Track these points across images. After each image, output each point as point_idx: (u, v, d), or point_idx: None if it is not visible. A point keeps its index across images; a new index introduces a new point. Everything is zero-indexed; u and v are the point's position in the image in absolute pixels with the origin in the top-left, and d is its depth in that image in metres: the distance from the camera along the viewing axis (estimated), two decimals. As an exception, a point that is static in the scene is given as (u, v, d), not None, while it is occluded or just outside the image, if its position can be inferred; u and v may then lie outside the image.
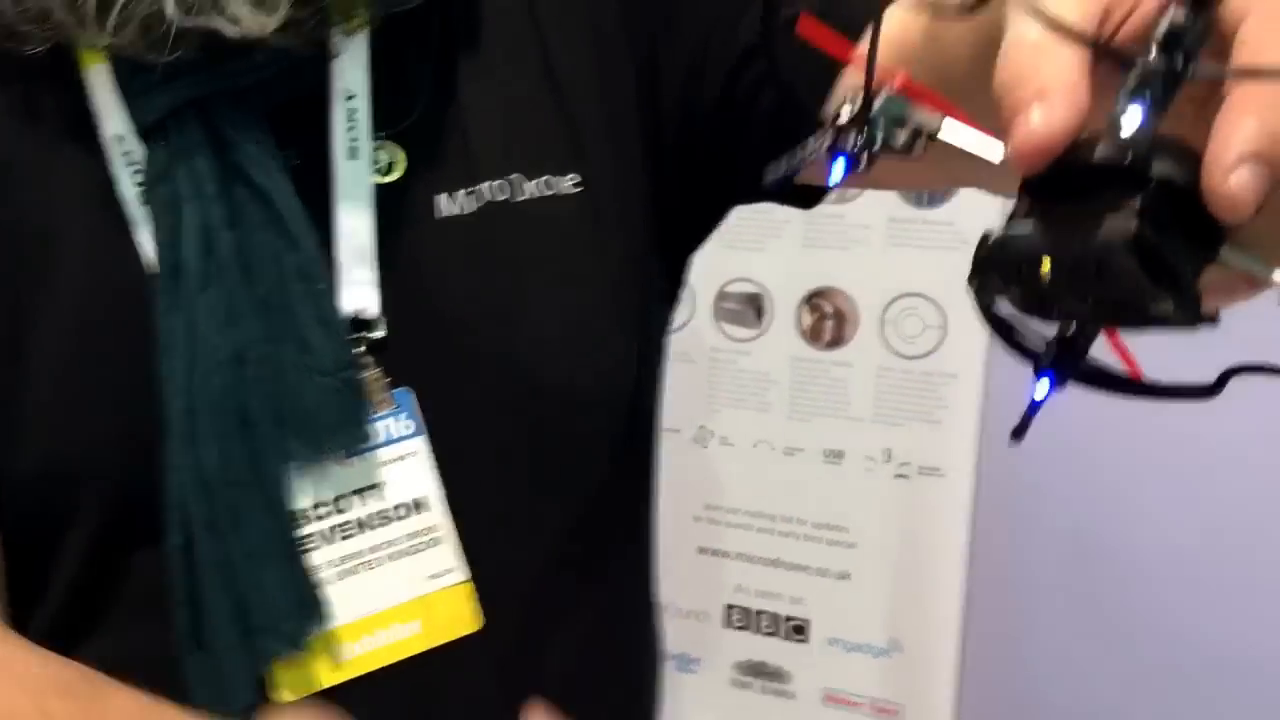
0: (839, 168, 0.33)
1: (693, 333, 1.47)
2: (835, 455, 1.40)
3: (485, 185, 0.57)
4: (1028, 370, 0.33)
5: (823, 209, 1.36)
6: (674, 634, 1.52)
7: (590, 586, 0.63)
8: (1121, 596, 1.29)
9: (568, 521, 0.61)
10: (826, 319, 1.41)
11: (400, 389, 0.56)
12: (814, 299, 1.41)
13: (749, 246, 1.43)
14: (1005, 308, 0.31)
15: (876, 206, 1.35)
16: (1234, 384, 0.34)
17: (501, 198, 0.57)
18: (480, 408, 0.57)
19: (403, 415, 0.56)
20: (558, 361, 0.57)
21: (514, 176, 0.57)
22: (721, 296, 1.45)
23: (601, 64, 0.60)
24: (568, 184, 0.58)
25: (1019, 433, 0.34)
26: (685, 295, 1.43)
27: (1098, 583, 1.30)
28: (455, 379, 0.57)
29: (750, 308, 1.44)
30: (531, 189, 0.57)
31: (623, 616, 0.69)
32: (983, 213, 1.27)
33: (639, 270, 0.61)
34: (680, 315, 1.51)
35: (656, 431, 0.70)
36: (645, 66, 0.61)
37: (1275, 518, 1.19)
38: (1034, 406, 0.33)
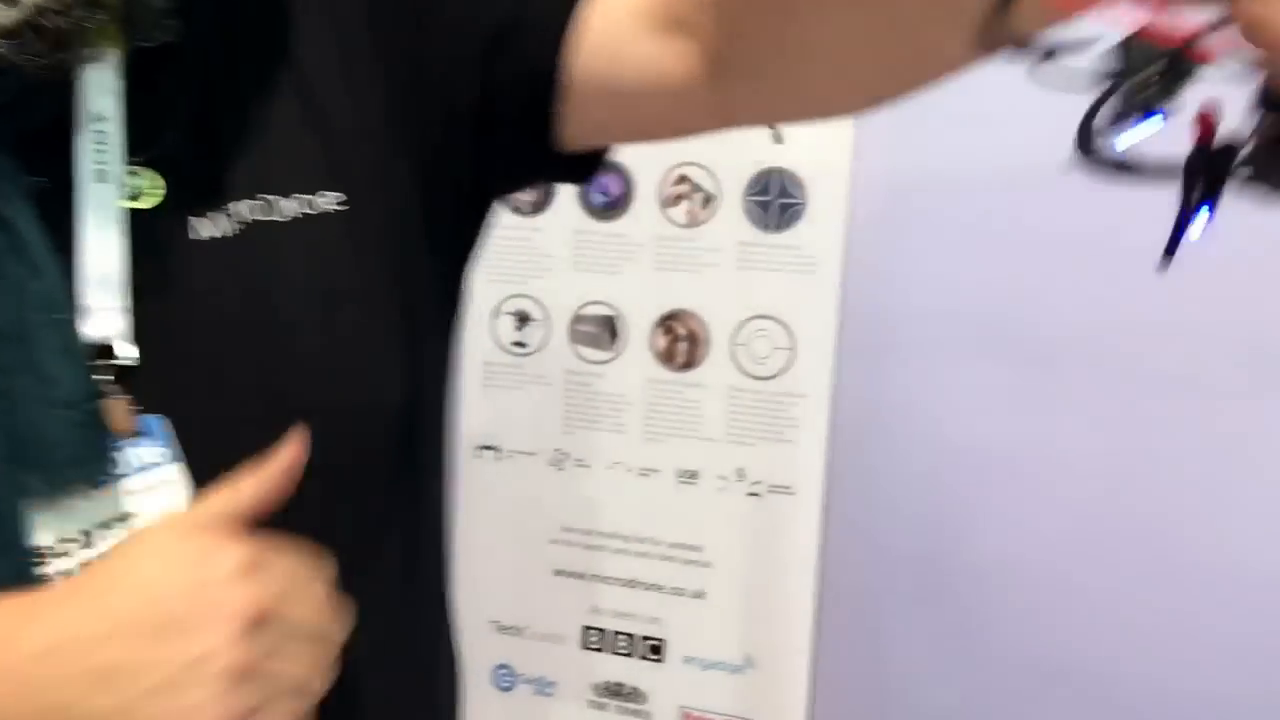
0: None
1: (548, 355, 1.47)
2: (689, 475, 1.42)
3: (244, 205, 0.56)
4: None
5: (675, 233, 1.39)
6: (531, 657, 1.52)
7: (371, 607, 0.61)
8: (972, 609, 1.33)
9: (341, 541, 0.59)
10: (680, 341, 1.42)
11: (152, 416, 0.54)
12: (667, 321, 1.43)
13: (603, 270, 1.44)
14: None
15: (726, 230, 1.38)
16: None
17: (261, 218, 0.56)
18: (239, 431, 0.56)
19: (154, 443, 0.55)
20: (321, 380, 0.56)
21: (273, 197, 0.57)
22: (576, 319, 1.46)
23: (355, 81, 0.60)
24: (330, 202, 0.58)
25: (1171, 251, 0.39)
26: (541, 318, 1.44)
27: (948, 596, 1.34)
28: (212, 403, 0.56)
29: (605, 330, 1.45)
30: (292, 208, 0.57)
31: (412, 635, 0.68)
32: (828, 237, 1.31)
33: (410, 285, 0.61)
34: (536, 338, 1.52)
35: (447, 442, 0.69)
36: (403, 78, 0.61)
37: (1118, 530, 1.25)
38: (1180, 236, 0.39)
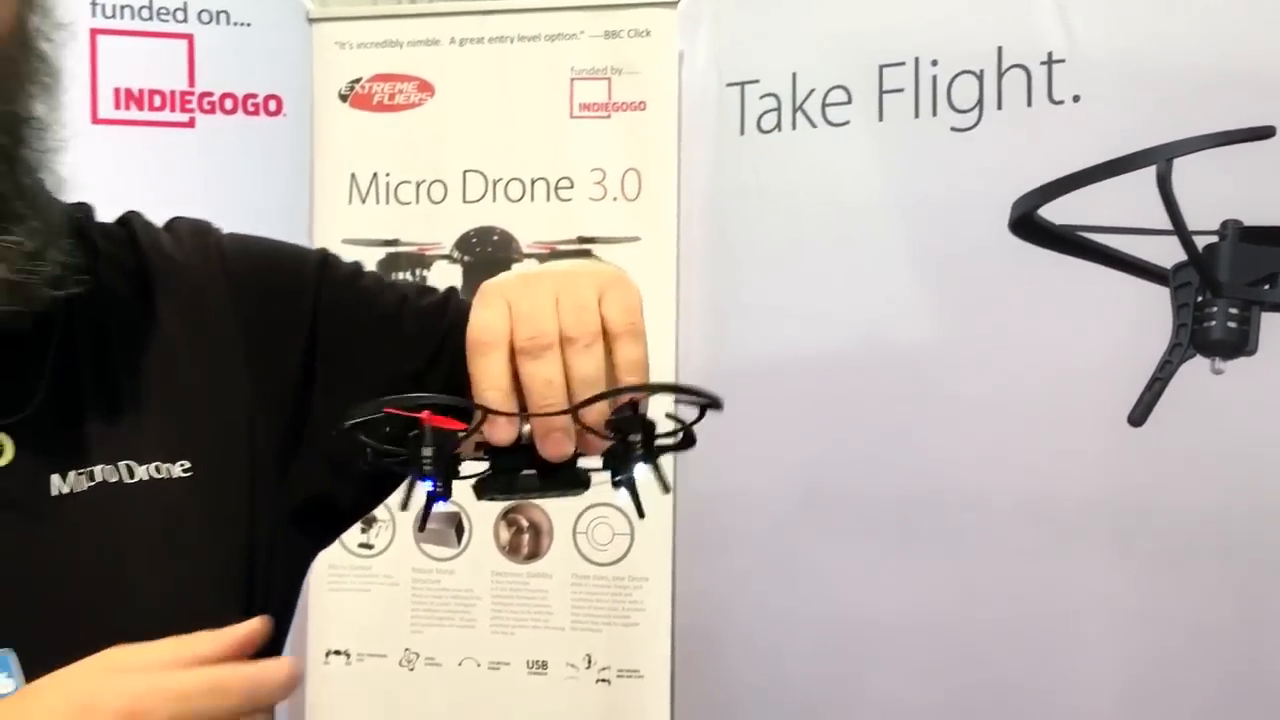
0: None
1: (395, 556, 1.49)
2: (540, 666, 1.44)
3: (99, 468, 0.60)
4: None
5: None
6: None
7: None
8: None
9: None
10: (523, 533, 1.46)
11: (1, 650, 0.57)
12: (510, 514, 1.46)
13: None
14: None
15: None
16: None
17: (114, 479, 0.60)
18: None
19: (2, 675, 0.57)
20: (162, 631, 0.57)
21: (127, 461, 0.61)
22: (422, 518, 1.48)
23: (217, 359, 0.65)
24: (177, 469, 0.62)
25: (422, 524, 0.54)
26: (386, 519, 1.46)
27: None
28: (60, 643, 0.58)
29: (449, 527, 1.48)
30: (142, 473, 0.61)
31: None
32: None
33: (254, 544, 0.65)
34: (381, 540, 1.53)
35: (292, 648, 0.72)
36: (275, 356, 0.65)
37: (971, 695, 1.30)
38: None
